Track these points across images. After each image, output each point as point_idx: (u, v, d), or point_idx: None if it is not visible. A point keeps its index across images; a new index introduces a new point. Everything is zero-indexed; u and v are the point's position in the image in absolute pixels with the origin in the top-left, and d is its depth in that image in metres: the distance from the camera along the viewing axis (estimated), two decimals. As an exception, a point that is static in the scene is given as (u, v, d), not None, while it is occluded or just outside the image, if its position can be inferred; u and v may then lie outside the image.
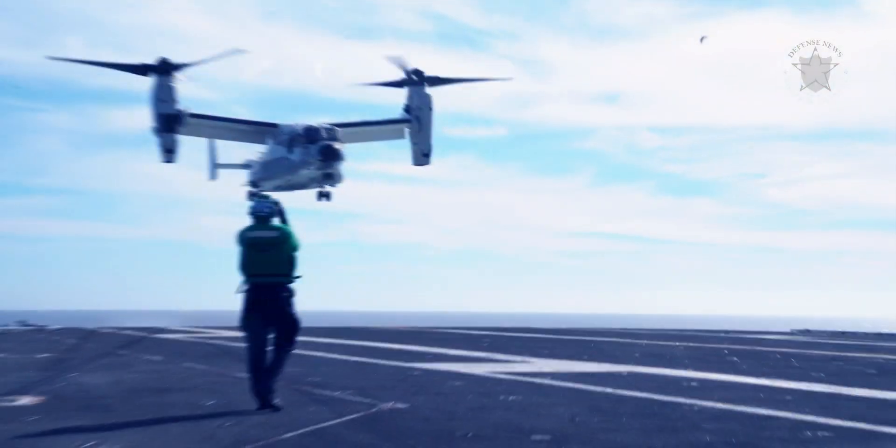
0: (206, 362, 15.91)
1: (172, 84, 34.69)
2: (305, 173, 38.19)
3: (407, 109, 39.93)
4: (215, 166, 48.96)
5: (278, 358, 10.11)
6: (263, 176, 41.42)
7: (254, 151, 42.39)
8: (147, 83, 34.57)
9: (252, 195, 11.80)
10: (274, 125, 39.29)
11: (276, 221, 10.33)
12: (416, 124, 38.93)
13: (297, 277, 10.28)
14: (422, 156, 39.81)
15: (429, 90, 39.43)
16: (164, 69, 34.48)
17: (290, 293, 10.20)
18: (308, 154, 36.75)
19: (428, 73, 39.17)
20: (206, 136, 41.82)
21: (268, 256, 10.07)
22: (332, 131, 37.23)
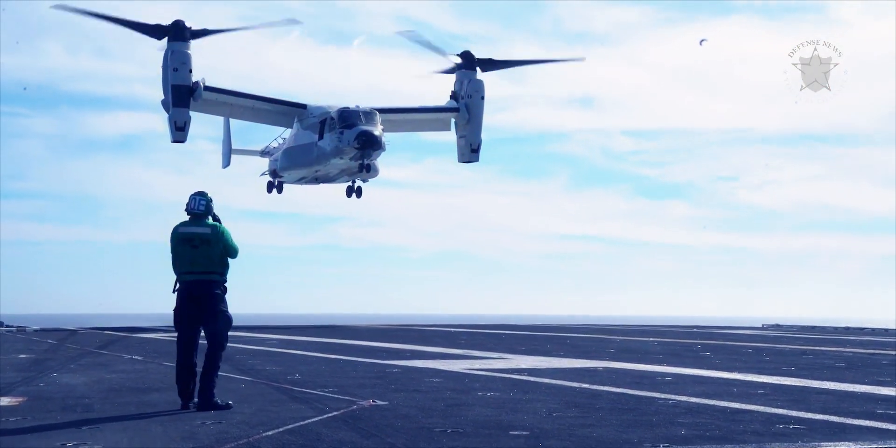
0: (185, 361, 15.93)
1: (188, 52, 30.51)
2: (337, 163, 33.19)
3: (454, 97, 34.90)
4: (230, 152, 42.30)
5: (213, 357, 9.92)
6: (286, 165, 36.18)
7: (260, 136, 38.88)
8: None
9: (197, 193, 11.19)
10: (302, 106, 34.39)
11: (210, 219, 10.15)
12: (464, 114, 34.25)
13: (225, 281, 10.06)
14: (470, 151, 34.96)
15: (480, 75, 34.51)
16: (179, 35, 30.32)
17: (223, 290, 10.08)
18: (342, 141, 31.67)
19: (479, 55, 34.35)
20: (221, 115, 36.28)
21: (200, 252, 9.91)
22: (372, 115, 32.17)
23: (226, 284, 10.14)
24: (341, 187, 36.94)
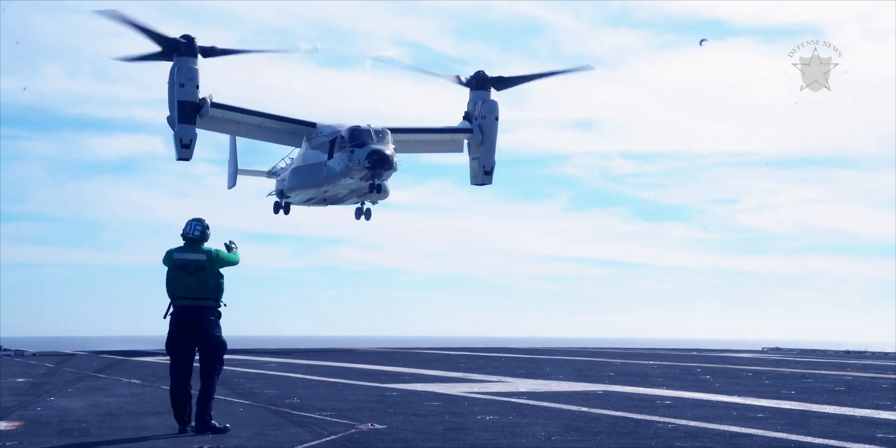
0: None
1: (195, 67, 29.83)
2: (346, 183, 32.18)
3: (467, 117, 34.31)
4: (236, 172, 40.99)
5: (209, 381, 9.93)
6: (294, 185, 35.05)
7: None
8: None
9: (194, 219, 11.30)
10: (312, 124, 33.48)
11: (206, 245, 10.18)
12: (478, 135, 33.61)
13: (223, 304, 10.07)
14: (483, 173, 34.11)
15: (494, 95, 33.77)
16: (187, 50, 29.62)
17: (217, 316, 10.11)
18: (352, 160, 30.62)
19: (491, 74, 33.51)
20: (228, 133, 35.27)
21: (195, 279, 9.95)
22: (383, 134, 31.16)
23: (220, 310, 10.14)
24: (349, 209, 35.91)
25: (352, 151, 30.62)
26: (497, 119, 33.57)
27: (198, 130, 30.78)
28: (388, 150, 30.43)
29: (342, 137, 31.31)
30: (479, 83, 33.47)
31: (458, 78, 33.81)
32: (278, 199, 37.14)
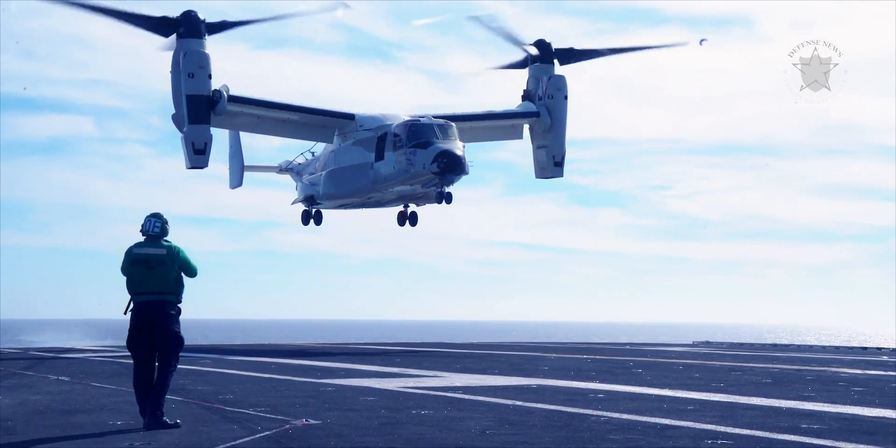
0: (115, 382, 15.63)
1: (205, 51, 24.41)
2: (400, 190, 26.90)
3: (528, 97, 28.66)
4: (242, 168, 34.41)
5: (163, 376, 10.01)
6: (332, 191, 29.21)
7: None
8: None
9: (152, 215, 11.17)
10: (349, 116, 27.89)
11: (166, 240, 10.18)
12: (546, 119, 28.05)
13: (179, 301, 10.11)
14: (553, 164, 28.49)
15: (560, 70, 28.26)
16: (193, 30, 24.21)
17: (177, 311, 10.13)
18: (413, 163, 25.28)
19: (557, 44, 28.18)
20: (245, 130, 29.47)
21: (155, 274, 9.96)
22: (448, 129, 25.57)
23: (180, 305, 10.14)
24: (390, 213, 30.94)
25: (412, 152, 25.34)
26: (566, 98, 28.19)
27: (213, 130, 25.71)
28: (459, 149, 25.33)
29: (396, 134, 26.06)
30: (542, 55, 28.12)
31: (518, 62, 28.47)
32: (307, 208, 31.50)
